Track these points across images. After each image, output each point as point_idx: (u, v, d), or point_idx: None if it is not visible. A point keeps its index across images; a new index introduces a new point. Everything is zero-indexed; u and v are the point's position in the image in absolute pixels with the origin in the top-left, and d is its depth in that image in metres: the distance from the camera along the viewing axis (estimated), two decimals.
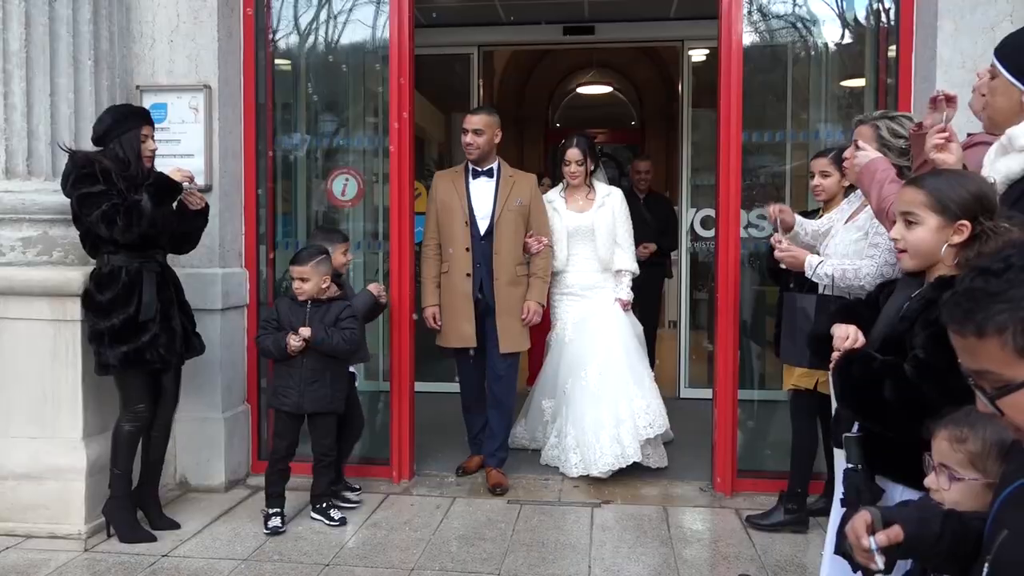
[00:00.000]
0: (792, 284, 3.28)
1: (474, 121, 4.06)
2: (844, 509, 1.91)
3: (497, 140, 4.12)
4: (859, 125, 2.88)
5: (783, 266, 3.02)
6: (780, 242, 2.99)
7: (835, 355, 1.98)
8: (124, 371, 3.24)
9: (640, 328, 4.54)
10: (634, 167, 6.21)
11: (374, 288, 3.85)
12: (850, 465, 1.90)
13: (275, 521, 3.46)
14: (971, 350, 1.03)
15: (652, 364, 5.84)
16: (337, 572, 3.04)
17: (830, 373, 1.96)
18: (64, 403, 3.39)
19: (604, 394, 4.13)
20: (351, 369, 3.77)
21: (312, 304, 3.49)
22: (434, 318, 4.10)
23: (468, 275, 4.02)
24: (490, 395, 4.16)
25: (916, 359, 1.75)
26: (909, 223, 1.86)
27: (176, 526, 3.44)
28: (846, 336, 1.98)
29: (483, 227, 4.06)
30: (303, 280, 3.46)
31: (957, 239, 1.78)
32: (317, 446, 3.57)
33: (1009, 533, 1.08)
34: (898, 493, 1.84)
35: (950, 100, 2.41)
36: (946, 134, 2.12)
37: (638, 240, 5.41)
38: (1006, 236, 1.69)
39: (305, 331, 3.41)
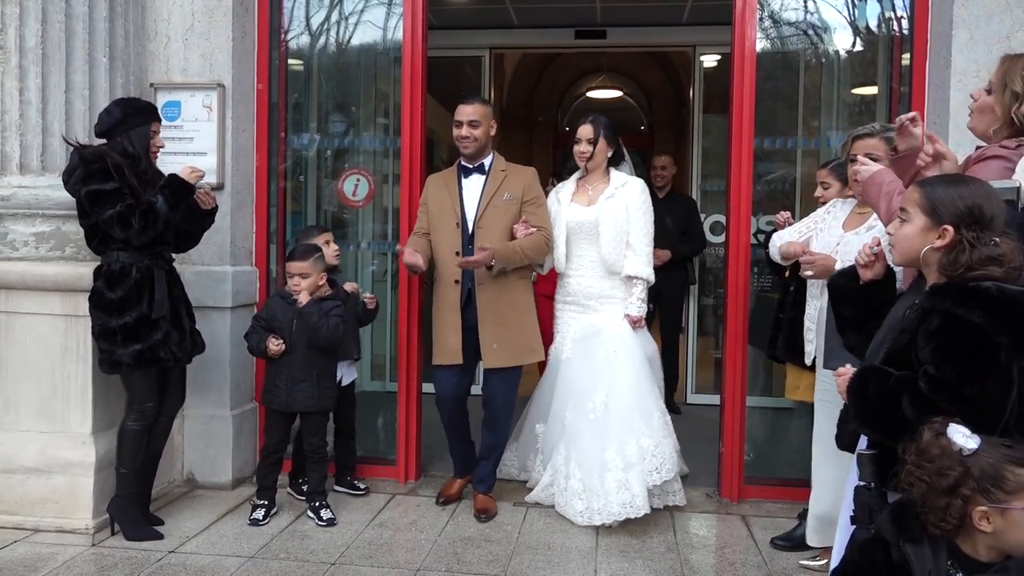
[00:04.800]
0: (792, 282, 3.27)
1: (468, 112, 3.61)
2: (854, 527, 1.91)
3: (492, 132, 3.69)
4: (865, 138, 2.86)
5: (808, 274, 2.97)
6: (804, 253, 2.97)
7: (842, 371, 1.99)
8: (136, 369, 3.24)
9: (653, 347, 3.93)
10: (652, 163, 5.76)
11: (349, 286, 3.80)
12: (862, 483, 1.89)
13: (257, 514, 3.51)
14: None
15: (673, 384, 5.52)
16: (343, 571, 3.05)
17: (845, 391, 1.95)
18: (74, 398, 3.41)
19: (610, 430, 3.56)
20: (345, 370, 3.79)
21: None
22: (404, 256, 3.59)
23: (456, 282, 3.59)
24: (484, 414, 3.78)
25: (928, 375, 1.75)
26: (902, 220, 1.95)
27: (160, 522, 3.44)
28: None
29: (471, 228, 3.62)
30: (303, 276, 3.48)
31: (939, 243, 1.85)
32: (307, 443, 3.60)
33: None
34: None
35: (914, 121, 2.43)
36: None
37: (655, 244, 5.27)
38: (989, 250, 1.77)
39: (304, 296, 3.42)
